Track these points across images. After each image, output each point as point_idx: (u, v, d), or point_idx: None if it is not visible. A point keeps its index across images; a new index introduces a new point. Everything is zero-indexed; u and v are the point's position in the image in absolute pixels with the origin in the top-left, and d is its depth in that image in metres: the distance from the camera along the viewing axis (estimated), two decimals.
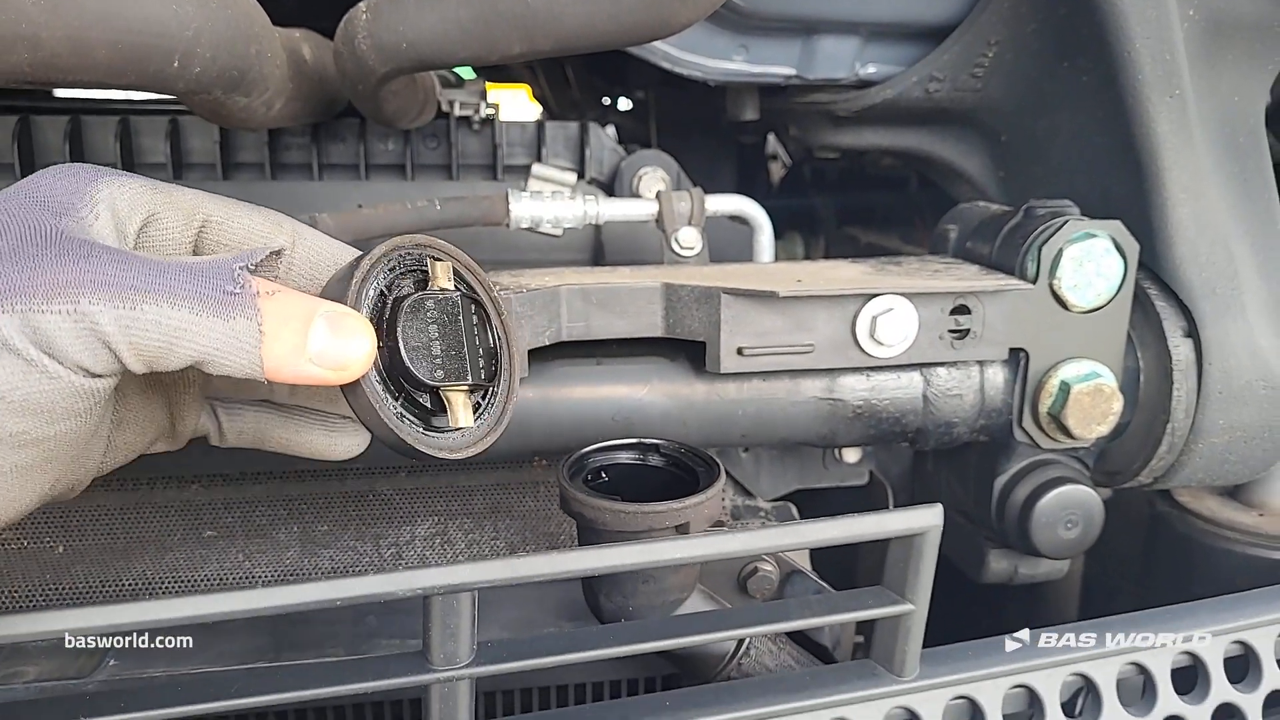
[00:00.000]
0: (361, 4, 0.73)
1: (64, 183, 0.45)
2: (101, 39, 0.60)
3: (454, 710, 0.52)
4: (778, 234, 1.44)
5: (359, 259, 0.49)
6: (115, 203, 0.46)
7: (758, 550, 0.56)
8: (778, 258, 1.10)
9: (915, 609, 0.58)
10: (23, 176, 0.93)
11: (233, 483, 0.79)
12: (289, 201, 0.98)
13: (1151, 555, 1.01)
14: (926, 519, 0.56)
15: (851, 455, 0.88)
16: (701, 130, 1.35)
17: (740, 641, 0.66)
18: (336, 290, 0.49)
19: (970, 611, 0.98)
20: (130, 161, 0.98)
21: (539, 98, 1.88)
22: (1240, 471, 0.82)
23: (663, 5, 0.67)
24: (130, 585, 0.75)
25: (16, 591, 0.73)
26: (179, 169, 0.99)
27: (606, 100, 1.78)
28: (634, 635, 0.54)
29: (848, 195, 1.46)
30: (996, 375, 0.77)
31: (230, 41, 0.68)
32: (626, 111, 1.81)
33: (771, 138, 1.78)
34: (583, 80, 1.56)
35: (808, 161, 1.56)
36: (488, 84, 1.29)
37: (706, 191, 0.88)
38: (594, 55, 1.26)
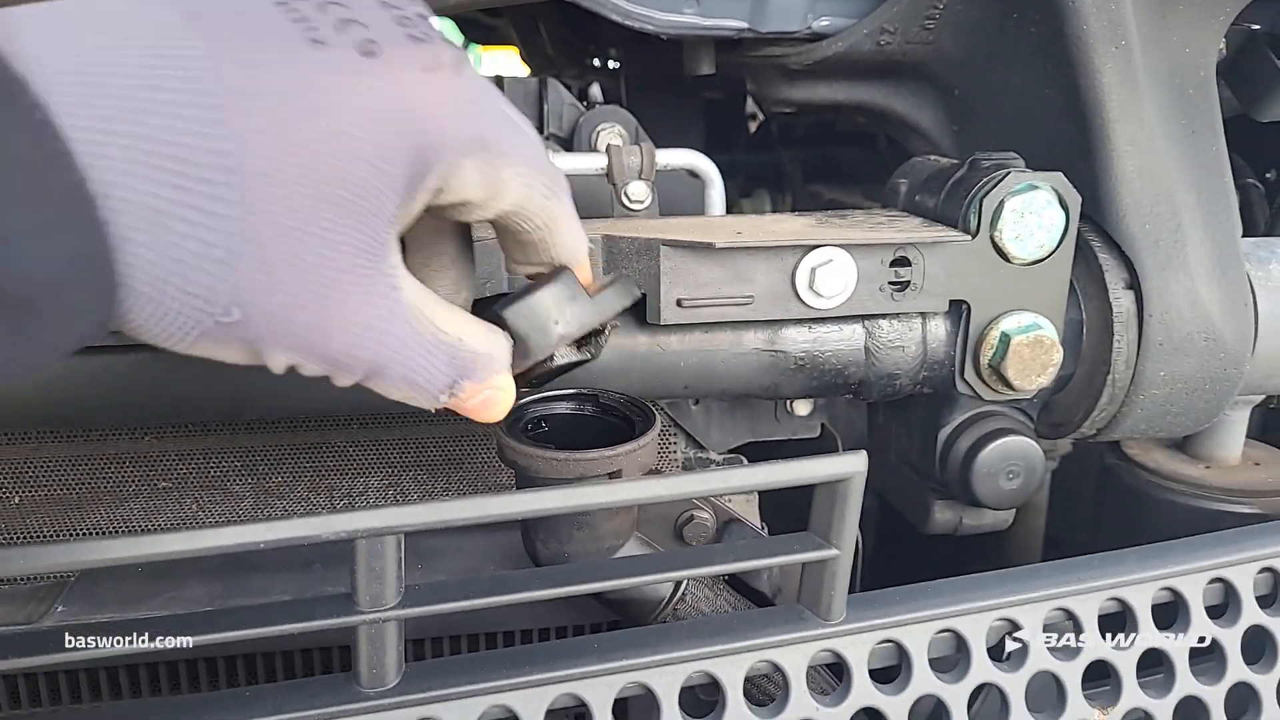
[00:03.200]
0: None
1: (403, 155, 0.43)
2: None
3: (382, 652, 0.53)
4: (747, 191, 1.43)
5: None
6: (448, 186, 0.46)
7: (682, 495, 0.57)
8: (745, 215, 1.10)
9: (840, 554, 0.59)
10: None
11: (187, 434, 0.80)
12: None
13: (1102, 507, 1.02)
14: (850, 465, 0.57)
15: (803, 408, 0.89)
16: (669, 87, 1.35)
17: (676, 587, 0.68)
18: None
19: (932, 563, 0.99)
20: None
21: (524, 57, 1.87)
22: (1183, 423, 0.83)
23: None
24: (86, 535, 0.77)
25: None
26: None
27: (597, 62, 1.76)
28: (557, 579, 0.55)
29: (814, 151, 1.46)
30: (939, 327, 0.77)
31: None
32: (608, 70, 1.80)
33: None
34: (556, 38, 1.55)
35: (775, 118, 1.55)
36: (480, 47, 1.27)
37: (674, 148, 0.88)
38: (566, 12, 1.25)
